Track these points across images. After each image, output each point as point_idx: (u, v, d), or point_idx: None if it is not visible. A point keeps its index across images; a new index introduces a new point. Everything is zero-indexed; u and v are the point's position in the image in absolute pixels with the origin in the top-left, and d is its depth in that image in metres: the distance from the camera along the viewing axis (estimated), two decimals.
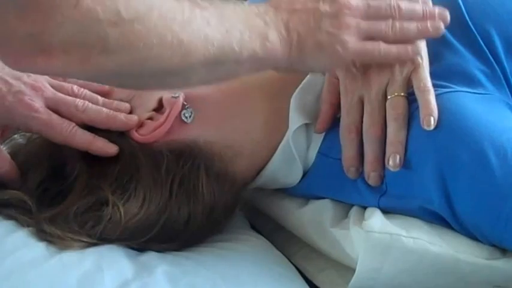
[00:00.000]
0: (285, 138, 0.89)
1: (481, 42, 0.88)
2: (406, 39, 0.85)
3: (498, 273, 0.78)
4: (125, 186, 0.83)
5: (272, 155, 0.90)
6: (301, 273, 0.89)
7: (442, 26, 0.86)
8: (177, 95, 0.86)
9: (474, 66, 0.87)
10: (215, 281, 0.79)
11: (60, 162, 0.86)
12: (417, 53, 0.84)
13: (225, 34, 0.76)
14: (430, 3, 0.87)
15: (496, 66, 0.87)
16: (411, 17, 0.85)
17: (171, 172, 0.84)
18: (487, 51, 0.88)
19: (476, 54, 0.87)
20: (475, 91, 0.84)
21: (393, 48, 0.84)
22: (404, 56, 0.84)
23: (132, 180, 0.83)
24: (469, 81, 0.85)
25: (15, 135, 0.91)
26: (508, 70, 0.88)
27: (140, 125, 0.87)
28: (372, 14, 0.84)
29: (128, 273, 0.78)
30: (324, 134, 0.89)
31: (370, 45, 0.83)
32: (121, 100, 0.88)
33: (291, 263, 0.90)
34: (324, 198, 0.90)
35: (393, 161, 0.81)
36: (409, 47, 0.85)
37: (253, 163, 0.91)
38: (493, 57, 0.88)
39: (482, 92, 0.85)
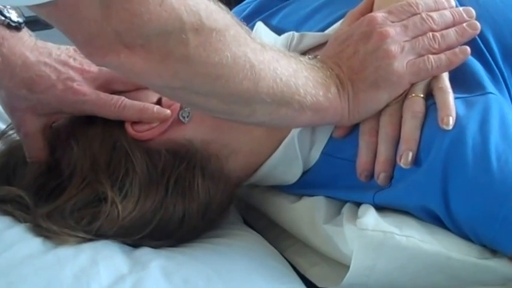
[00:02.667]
0: (289, 137, 0.89)
1: (482, 47, 0.88)
2: (451, 46, 0.85)
3: (489, 272, 0.78)
4: (121, 181, 0.83)
5: (272, 153, 0.90)
6: (294, 267, 0.89)
7: (477, 22, 0.86)
8: None
9: (480, 69, 0.87)
10: (209, 275, 0.80)
11: (56, 157, 0.87)
12: (466, 53, 0.84)
13: (292, 74, 0.77)
14: (453, 2, 0.88)
15: (497, 71, 0.88)
16: (445, 22, 0.86)
17: (167, 171, 0.85)
18: (488, 55, 0.88)
19: (479, 58, 0.87)
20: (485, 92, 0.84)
21: (442, 57, 0.84)
22: (455, 60, 0.84)
23: (128, 175, 0.83)
24: (476, 84, 0.85)
25: (10, 131, 0.91)
26: (506, 75, 0.88)
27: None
28: (411, 33, 0.84)
29: (123, 267, 0.79)
30: (329, 135, 0.89)
31: (422, 63, 0.83)
32: (121, 92, 0.87)
33: (284, 257, 0.90)
34: (317, 195, 0.90)
35: (405, 158, 0.80)
36: (457, 50, 0.85)
37: (250, 160, 0.91)
38: (493, 62, 0.88)
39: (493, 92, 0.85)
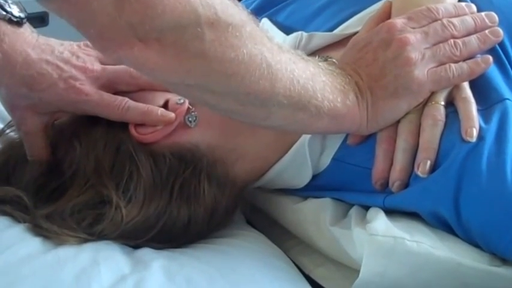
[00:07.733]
0: (299, 142, 0.87)
1: (500, 51, 0.87)
2: (472, 54, 0.83)
3: (500, 279, 0.77)
4: (126, 185, 0.82)
5: (280, 158, 0.89)
6: (298, 268, 0.88)
7: (499, 29, 0.84)
8: (182, 100, 0.85)
9: (497, 75, 0.85)
10: (212, 274, 0.79)
11: (58, 157, 0.85)
12: (489, 63, 0.83)
13: (309, 77, 0.76)
14: (474, 8, 0.86)
15: None
16: (466, 29, 0.84)
17: (172, 175, 0.83)
18: (505, 60, 0.86)
19: (496, 62, 0.85)
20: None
21: (464, 66, 0.83)
22: (477, 69, 0.83)
23: (132, 179, 0.82)
24: (493, 90, 0.83)
25: (8, 130, 0.90)
26: None
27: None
28: (432, 40, 0.82)
29: (124, 267, 0.78)
30: (341, 140, 0.87)
31: (443, 71, 0.82)
32: (124, 92, 0.86)
33: (288, 257, 0.89)
34: (324, 197, 0.89)
35: (423, 167, 0.79)
36: (479, 59, 0.83)
37: (257, 165, 0.90)
38: (510, 66, 0.86)
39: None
